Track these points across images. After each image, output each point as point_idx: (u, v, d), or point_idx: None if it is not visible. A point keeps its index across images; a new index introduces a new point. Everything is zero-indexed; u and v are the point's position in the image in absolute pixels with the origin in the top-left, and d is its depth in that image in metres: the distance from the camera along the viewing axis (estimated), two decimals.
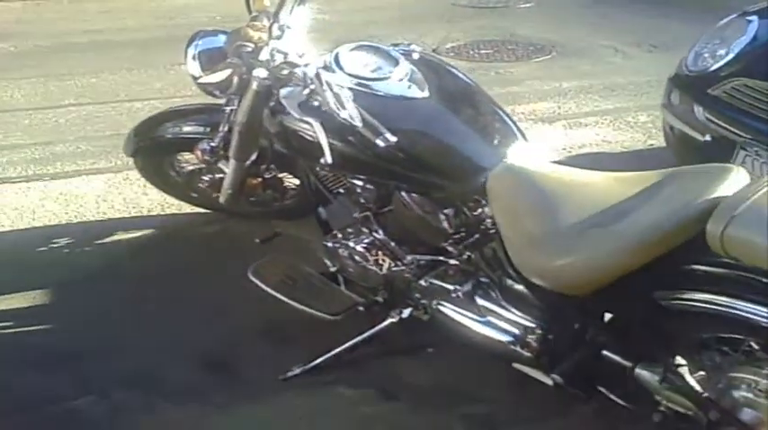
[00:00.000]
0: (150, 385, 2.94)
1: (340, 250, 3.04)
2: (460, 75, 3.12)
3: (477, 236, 2.74)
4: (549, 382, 2.52)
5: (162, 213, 4.18)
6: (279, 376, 2.93)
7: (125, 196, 4.35)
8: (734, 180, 2.22)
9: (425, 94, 2.86)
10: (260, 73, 2.85)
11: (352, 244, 3.00)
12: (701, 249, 2.09)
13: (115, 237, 3.98)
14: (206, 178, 3.75)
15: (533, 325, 2.54)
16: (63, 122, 5.49)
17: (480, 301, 2.67)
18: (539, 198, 2.48)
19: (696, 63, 4.05)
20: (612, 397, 2.45)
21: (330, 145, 2.65)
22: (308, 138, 2.75)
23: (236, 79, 3.05)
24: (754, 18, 4.06)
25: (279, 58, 2.89)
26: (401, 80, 2.87)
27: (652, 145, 4.88)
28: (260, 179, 3.55)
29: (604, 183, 2.49)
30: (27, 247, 3.89)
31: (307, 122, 2.71)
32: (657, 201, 2.26)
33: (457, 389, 2.88)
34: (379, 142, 2.60)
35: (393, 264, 2.94)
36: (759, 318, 2.07)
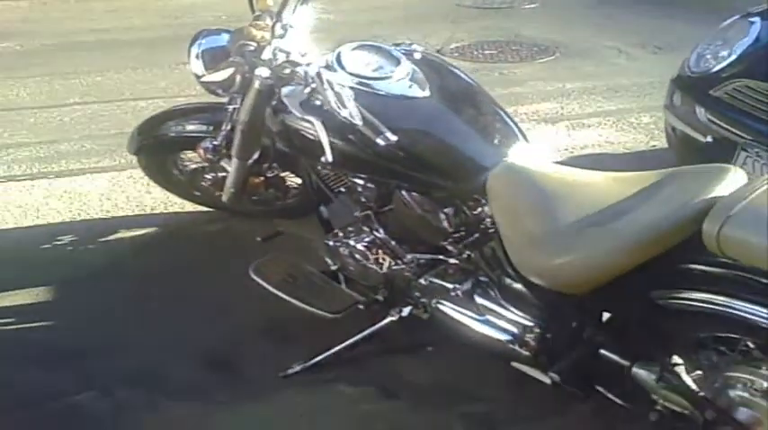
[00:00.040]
0: (153, 383, 2.96)
1: (341, 249, 3.06)
2: (462, 75, 3.14)
3: (476, 235, 2.76)
4: (548, 381, 2.53)
5: (165, 211, 4.20)
6: (279, 373, 2.95)
7: (129, 194, 4.37)
8: (731, 180, 2.23)
9: (426, 93, 2.88)
10: (262, 72, 2.87)
11: (352, 242, 3.02)
12: (697, 249, 2.10)
13: (118, 235, 4.00)
14: (209, 177, 3.77)
15: (532, 324, 2.55)
16: (68, 121, 5.51)
17: (479, 300, 2.69)
18: (538, 197, 2.49)
19: (698, 64, 4.06)
20: (610, 396, 2.46)
21: (331, 143, 2.67)
22: (310, 136, 2.77)
23: (238, 78, 3.07)
24: (757, 19, 4.06)
25: (281, 57, 2.91)
26: (402, 80, 2.88)
27: (654, 146, 4.89)
28: (262, 178, 3.57)
29: (604, 183, 2.50)
30: (31, 245, 3.91)
31: (308, 121, 2.72)
32: (655, 201, 2.27)
33: (456, 388, 2.89)
34: (380, 141, 2.61)
35: (393, 263, 2.95)
36: (755, 318, 2.08)
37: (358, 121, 2.62)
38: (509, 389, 2.81)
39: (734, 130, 3.70)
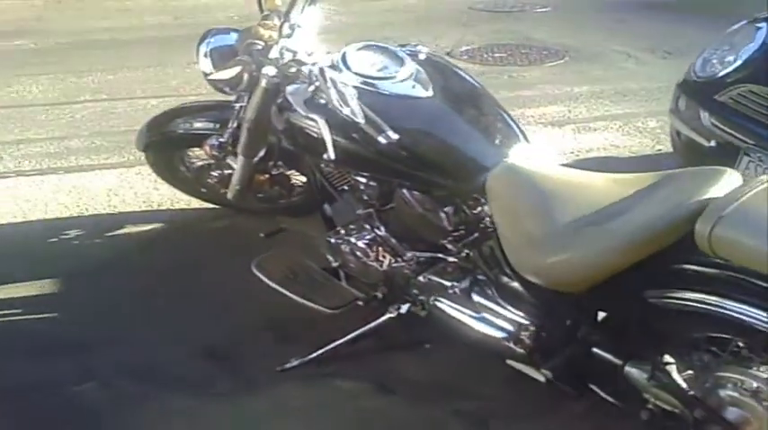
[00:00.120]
0: (153, 375, 2.99)
1: (342, 246, 3.09)
2: (466, 76, 3.17)
3: (476, 234, 2.78)
4: (542, 379, 2.57)
5: (171, 208, 4.24)
6: (277, 368, 2.98)
7: (136, 191, 4.41)
8: (726, 182, 2.25)
9: (429, 93, 2.91)
10: (269, 71, 2.90)
11: (353, 240, 3.05)
12: (691, 249, 2.12)
13: (125, 231, 4.04)
14: (215, 174, 3.79)
15: (527, 322, 2.57)
16: (79, 118, 5.57)
17: (476, 298, 2.71)
18: (536, 198, 2.51)
19: (704, 69, 4.07)
20: (603, 394, 2.48)
21: (334, 141, 2.69)
22: (313, 134, 2.80)
23: (245, 76, 3.11)
24: (764, 25, 4.07)
25: (288, 57, 2.95)
26: (406, 80, 2.91)
27: (660, 150, 4.90)
28: (267, 175, 3.60)
29: (602, 184, 2.52)
30: (38, 238, 3.96)
31: (311, 119, 2.75)
32: (651, 202, 2.29)
33: (452, 385, 2.92)
34: (381, 139, 2.64)
35: (393, 261, 2.98)
36: (747, 318, 2.10)
37: (360, 119, 2.65)
38: (504, 386, 2.83)
39: (737, 135, 3.71)
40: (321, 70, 2.74)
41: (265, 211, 3.91)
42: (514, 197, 2.57)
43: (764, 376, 2.15)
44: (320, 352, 3.00)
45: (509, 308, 2.64)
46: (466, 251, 2.79)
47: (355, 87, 2.76)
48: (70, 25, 8.22)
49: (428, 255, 2.90)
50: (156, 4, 8.96)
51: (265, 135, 3.18)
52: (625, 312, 2.37)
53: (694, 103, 3.99)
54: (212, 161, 3.68)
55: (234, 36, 3.39)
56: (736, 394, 2.18)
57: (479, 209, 2.77)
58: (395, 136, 2.64)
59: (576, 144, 5.07)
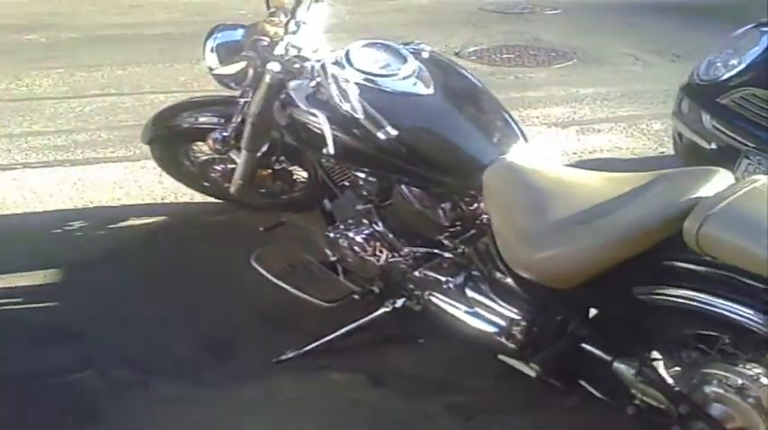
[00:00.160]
0: (149, 364, 3.02)
1: (340, 240, 3.11)
2: (468, 75, 3.19)
3: (472, 230, 2.82)
4: (533, 374, 2.58)
5: (175, 201, 4.27)
6: (272, 359, 3.01)
7: (141, 184, 4.45)
8: (718, 182, 2.27)
9: (430, 91, 2.93)
10: (273, 66, 2.94)
11: (352, 234, 3.07)
12: (680, 247, 2.14)
13: (128, 223, 4.07)
14: (218, 168, 3.84)
15: (519, 317, 2.60)
16: (87, 111, 5.61)
17: (470, 293, 2.74)
18: (530, 194, 2.53)
19: (708, 72, 4.08)
20: (592, 390, 2.50)
21: (335, 137, 2.73)
22: (315, 130, 2.82)
23: (251, 72, 3.14)
24: None
25: (292, 53, 2.97)
26: (408, 77, 2.93)
27: (662, 152, 4.91)
28: (270, 170, 3.64)
29: (596, 183, 2.55)
30: (41, 229, 3.99)
31: (313, 114, 2.78)
32: (642, 200, 2.31)
33: (444, 379, 2.94)
34: (380, 135, 2.67)
35: (390, 256, 3.01)
36: (734, 316, 2.12)
37: (360, 115, 2.68)
38: (496, 381, 2.85)
39: (738, 138, 3.73)
40: (323, 66, 2.77)
41: (267, 206, 3.94)
42: (509, 193, 2.59)
43: (749, 373, 2.17)
44: (315, 344, 3.03)
45: (502, 303, 2.66)
46: (462, 247, 2.82)
47: (357, 84, 2.78)
48: (82, 20, 8.27)
49: (424, 250, 2.93)
50: (168, 1, 9.01)
51: (268, 130, 3.21)
52: (614, 308, 2.40)
53: (697, 106, 4.01)
54: (216, 155, 3.71)
55: (241, 32, 3.42)
56: (720, 390, 2.20)
57: (476, 205, 2.81)
58: (394, 132, 2.67)
59: (579, 145, 5.08)
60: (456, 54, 7.04)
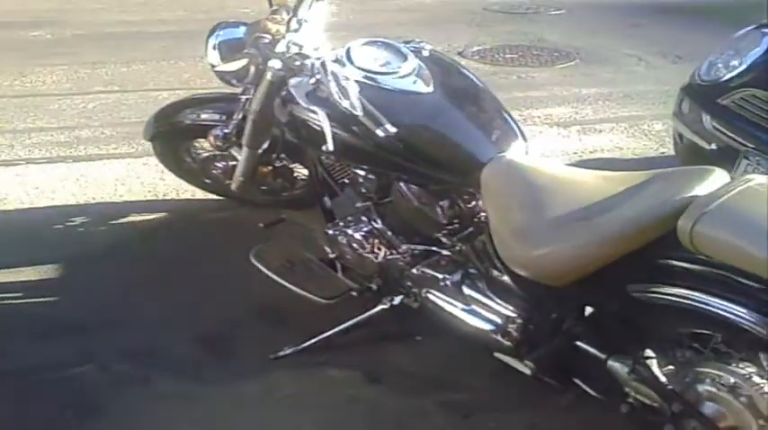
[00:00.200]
0: (148, 359, 3.04)
1: (339, 237, 3.12)
2: (468, 74, 3.20)
3: (470, 228, 2.83)
4: (528, 372, 2.60)
5: (176, 198, 4.29)
6: (270, 355, 3.03)
7: (143, 180, 4.47)
8: (713, 180, 2.27)
9: (430, 89, 2.94)
10: (275, 64, 2.95)
11: (351, 232, 3.08)
12: (675, 245, 2.15)
13: (129, 219, 4.09)
14: (219, 165, 3.86)
15: (515, 315, 2.61)
16: (90, 108, 5.63)
17: (467, 291, 2.75)
18: (527, 192, 2.55)
19: (709, 73, 4.09)
20: (586, 388, 2.52)
21: (334, 134, 2.74)
22: (315, 127, 2.84)
23: (252, 69, 3.15)
24: None
25: (294, 51, 2.99)
26: (408, 75, 2.94)
27: (663, 153, 4.92)
28: (271, 167, 3.65)
29: (593, 181, 2.56)
30: (44, 224, 4.01)
31: (313, 111, 2.79)
32: (638, 198, 2.32)
33: (441, 377, 2.96)
34: (379, 132, 2.69)
35: (388, 253, 3.02)
36: (727, 315, 2.12)
37: (359, 112, 2.70)
38: (492, 379, 2.86)
39: (737, 138, 3.73)
40: (323, 63, 2.79)
41: (268, 203, 3.95)
42: (506, 191, 2.61)
43: (742, 372, 2.18)
44: (313, 341, 3.05)
45: (498, 301, 2.67)
46: (459, 245, 2.83)
47: (357, 81, 2.80)
48: (87, 17, 8.31)
49: (422, 248, 2.95)
50: None
51: (270, 127, 3.23)
52: (609, 306, 2.41)
53: (697, 107, 4.01)
54: (217, 152, 3.72)
55: (243, 29, 3.43)
56: (713, 389, 2.21)
57: (474, 203, 2.83)
58: (393, 129, 2.69)
59: (580, 145, 5.10)
60: (459, 53, 7.06)
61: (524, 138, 2.91)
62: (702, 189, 2.22)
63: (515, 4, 9.22)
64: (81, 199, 4.29)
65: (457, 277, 2.78)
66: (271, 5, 3.31)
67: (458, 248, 2.84)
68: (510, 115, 3.02)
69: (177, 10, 8.66)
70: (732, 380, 2.18)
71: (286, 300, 3.15)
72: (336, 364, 3.01)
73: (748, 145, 3.68)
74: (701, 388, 2.23)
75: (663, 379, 2.29)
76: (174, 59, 6.75)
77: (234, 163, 3.59)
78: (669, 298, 2.22)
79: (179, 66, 6.59)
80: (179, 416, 2.80)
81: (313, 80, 2.85)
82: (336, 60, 2.87)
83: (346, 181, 3.25)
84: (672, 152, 4.54)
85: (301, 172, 3.78)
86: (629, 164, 4.75)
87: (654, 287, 2.25)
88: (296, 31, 3.05)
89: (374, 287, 3.08)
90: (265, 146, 3.34)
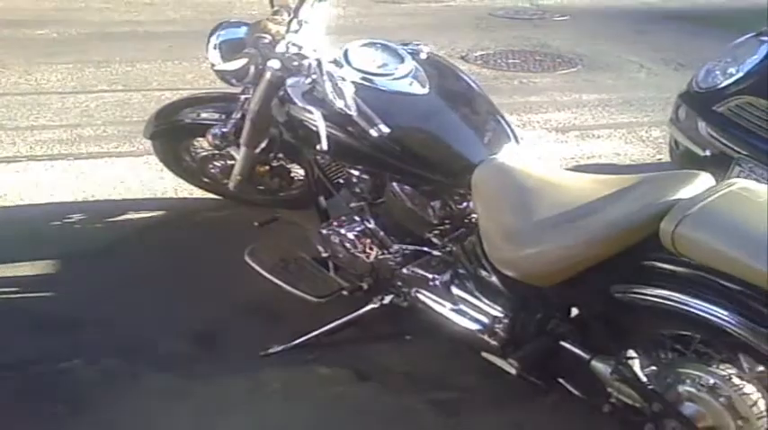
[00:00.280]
0: (140, 355, 3.07)
1: (332, 237, 3.15)
2: (463, 76, 3.22)
3: (461, 229, 2.86)
4: (513, 372, 2.62)
5: (174, 196, 4.33)
6: (260, 352, 3.05)
7: (142, 179, 4.50)
8: (697, 184, 2.30)
9: (425, 91, 2.97)
10: (274, 64, 2.97)
11: (343, 231, 3.12)
12: (658, 248, 2.19)
13: (126, 217, 4.12)
14: (217, 164, 3.88)
15: (501, 315, 2.64)
16: (93, 107, 5.66)
17: (455, 291, 2.78)
18: (516, 194, 2.58)
19: (706, 80, 4.10)
20: (570, 388, 2.54)
21: (329, 134, 2.78)
22: (311, 127, 2.86)
23: (252, 69, 3.16)
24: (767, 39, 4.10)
25: (293, 51, 3.01)
26: (404, 77, 2.97)
27: (660, 159, 4.93)
28: (268, 167, 3.68)
29: (581, 184, 2.58)
30: (42, 221, 4.04)
31: (308, 111, 2.82)
32: (624, 201, 2.35)
33: (428, 376, 2.98)
34: (373, 132, 2.72)
35: (380, 253, 3.05)
36: (708, 316, 2.15)
37: (352, 112, 2.73)
38: (480, 379, 2.88)
39: (731, 145, 3.74)
40: (319, 63, 2.82)
41: (265, 203, 3.98)
42: (496, 192, 2.64)
43: (722, 373, 2.20)
44: (303, 339, 3.08)
45: (486, 301, 2.70)
46: (450, 245, 2.86)
47: (354, 82, 2.83)
48: (94, 17, 8.36)
49: (413, 248, 2.98)
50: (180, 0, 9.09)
51: (268, 127, 3.25)
52: (593, 307, 2.44)
53: (693, 113, 4.03)
54: (215, 151, 3.75)
55: (244, 30, 3.44)
56: (693, 390, 2.23)
57: (465, 204, 2.85)
58: (386, 129, 2.72)
59: (578, 150, 5.11)
60: (462, 58, 7.08)
61: (517, 141, 2.93)
62: (686, 193, 2.25)
63: (520, 10, 9.26)
64: (80, 196, 4.32)
65: (446, 277, 2.81)
66: (272, 6, 3.34)
67: (448, 249, 2.87)
68: (504, 118, 3.04)
69: (183, 11, 8.71)
70: (712, 381, 2.20)
71: (278, 298, 3.18)
72: (325, 362, 3.03)
73: (742, 152, 3.69)
74: (681, 388, 2.25)
75: (644, 379, 2.31)
76: (179, 60, 6.78)
77: (231, 162, 3.61)
78: (651, 299, 2.25)
79: (183, 66, 6.63)
80: (167, 411, 2.82)
81: (309, 80, 2.87)
82: (334, 61, 2.90)
83: (341, 181, 3.28)
84: (668, 159, 4.55)
85: (298, 172, 3.80)
86: (624, 170, 4.74)
87: (637, 288, 2.29)
88: (296, 32, 3.06)
89: (365, 286, 3.10)
90: (263, 145, 3.36)
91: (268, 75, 3.00)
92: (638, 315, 2.32)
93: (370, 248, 3.07)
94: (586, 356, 2.45)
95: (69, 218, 4.08)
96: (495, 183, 2.67)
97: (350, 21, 8.21)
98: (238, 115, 3.36)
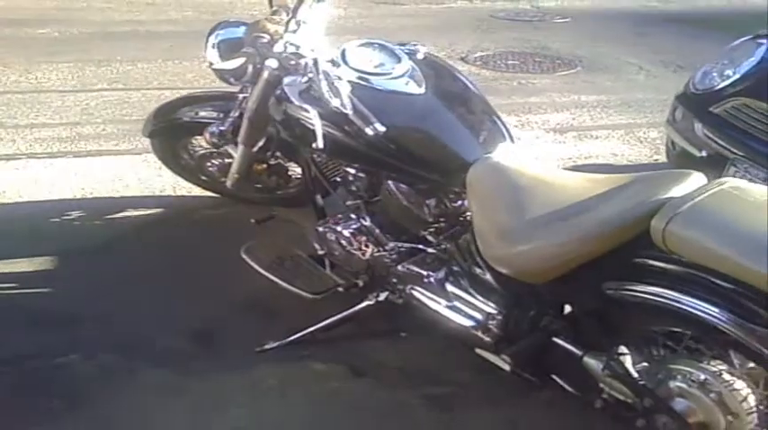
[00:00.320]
0: (136, 350, 3.09)
1: (328, 234, 3.17)
2: (460, 76, 3.24)
3: (456, 227, 2.88)
4: (507, 368, 2.64)
5: (172, 194, 4.34)
6: (256, 348, 3.07)
7: (141, 177, 4.52)
8: (689, 183, 2.32)
9: (421, 90, 2.98)
10: (272, 63, 3.00)
11: (340, 229, 3.14)
12: (649, 245, 2.21)
13: (125, 214, 4.15)
14: (215, 162, 3.91)
15: (495, 311, 2.66)
16: (93, 105, 5.69)
17: (450, 288, 2.80)
18: (510, 192, 2.60)
19: (703, 81, 4.12)
20: (563, 384, 2.56)
21: (326, 133, 2.80)
22: (307, 125, 2.88)
23: (250, 68, 3.19)
24: (765, 41, 4.12)
25: (291, 51, 3.03)
26: (400, 77, 2.99)
27: (657, 160, 4.95)
28: (265, 165, 3.69)
29: (575, 183, 2.61)
30: (41, 218, 4.06)
31: (305, 109, 2.84)
32: (617, 200, 2.37)
33: (422, 372, 3.00)
34: (369, 131, 2.73)
35: (376, 251, 3.07)
36: (699, 313, 2.16)
37: (348, 110, 2.74)
38: (475, 375, 2.90)
39: (727, 146, 3.77)
40: (315, 62, 2.83)
41: (263, 201, 4.00)
42: (490, 191, 2.66)
43: (713, 369, 2.21)
44: (298, 335, 3.10)
45: (480, 298, 2.72)
46: (445, 243, 2.88)
47: (350, 82, 2.85)
48: (95, 16, 8.39)
49: (409, 245, 3.00)
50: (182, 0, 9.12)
51: (265, 126, 3.27)
52: (586, 304, 2.46)
53: (690, 114, 4.05)
54: (213, 149, 3.77)
55: (243, 29, 3.46)
56: (684, 386, 2.25)
57: (460, 202, 2.88)
58: (382, 128, 2.73)
59: (575, 151, 5.13)
60: (462, 59, 7.11)
61: (512, 140, 2.95)
62: (678, 191, 2.27)
63: (521, 12, 9.29)
64: (78, 193, 4.33)
65: (441, 275, 2.83)
66: (271, 6, 3.36)
67: (443, 246, 2.89)
68: (499, 118, 3.06)
69: (185, 11, 8.74)
70: (702, 376, 2.22)
71: (274, 294, 3.20)
72: (321, 358, 3.05)
73: (738, 153, 3.71)
74: (672, 384, 2.27)
75: (635, 375, 2.33)
76: (179, 59, 6.80)
77: (229, 160, 3.64)
78: (643, 296, 2.26)
79: (183, 65, 6.65)
80: (163, 406, 2.84)
81: (305, 79, 2.89)
82: (331, 61, 2.92)
83: (338, 179, 3.30)
84: (665, 159, 4.57)
85: (296, 170, 3.82)
86: (621, 170, 4.72)
87: (628, 285, 2.30)
88: (294, 31, 3.09)
89: (360, 283, 3.12)
90: (261, 144, 3.39)
91: (266, 74, 3.03)
92: (630, 312, 2.33)
93: (366, 246, 3.09)
94: (579, 353, 2.47)
95: (68, 215, 4.09)
96: (488, 181, 2.69)
97: (350, 21, 8.23)
98: (236, 114, 3.39)
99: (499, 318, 2.64)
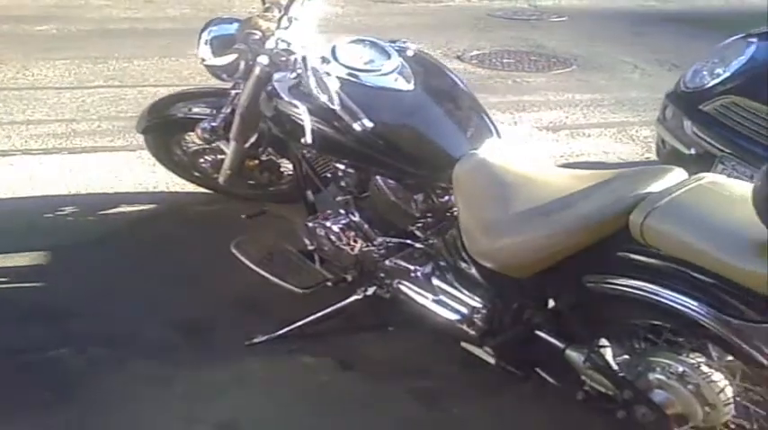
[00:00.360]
0: (126, 344, 3.12)
1: (318, 230, 3.20)
2: (449, 73, 3.26)
3: (442, 222, 2.91)
4: (492, 361, 2.67)
5: (166, 191, 4.37)
6: (245, 342, 3.11)
7: (135, 173, 4.55)
8: (669, 179, 2.35)
9: (410, 87, 3.01)
10: (263, 60, 3.02)
11: (329, 224, 3.17)
12: (629, 239, 2.24)
13: (118, 210, 4.17)
14: (208, 158, 3.94)
15: (480, 305, 2.70)
16: (89, 102, 5.71)
17: (436, 282, 2.83)
18: (495, 187, 2.63)
19: (693, 80, 4.14)
20: (546, 376, 2.60)
21: (315, 129, 2.82)
22: (297, 121, 2.91)
23: (242, 64, 3.22)
24: (755, 40, 4.14)
25: (282, 47, 3.06)
26: (389, 73, 3.02)
27: (648, 158, 4.97)
28: (257, 161, 3.72)
29: (559, 179, 2.63)
30: (34, 213, 4.09)
31: (294, 105, 2.87)
32: (597, 194, 2.40)
33: (411, 365, 3.03)
34: (356, 126, 2.77)
35: (364, 246, 3.09)
36: (678, 306, 2.19)
37: (336, 106, 2.77)
38: (461, 368, 2.94)
39: (715, 144, 3.79)
40: (304, 58, 2.86)
41: (255, 197, 4.02)
42: (476, 186, 2.69)
43: (691, 362, 2.25)
44: (287, 329, 3.13)
45: (465, 292, 2.76)
46: (431, 238, 2.91)
47: (340, 78, 2.88)
48: (93, 14, 8.41)
49: (397, 240, 3.03)
50: None
51: (257, 122, 3.30)
52: (568, 298, 2.49)
53: (680, 113, 4.08)
54: (206, 146, 3.79)
55: (235, 26, 3.48)
56: (663, 377, 2.29)
57: (447, 198, 2.91)
58: (370, 124, 2.77)
59: (567, 148, 5.16)
60: (458, 57, 7.13)
61: (499, 136, 2.98)
62: (658, 186, 2.30)
63: (518, 11, 9.30)
64: (73, 189, 4.36)
65: (427, 269, 2.86)
66: (263, 3, 3.39)
67: (430, 241, 2.92)
68: (487, 114, 3.09)
69: (183, 8, 8.75)
70: (681, 369, 2.26)
71: (264, 289, 3.23)
72: (309, 352, 3.09)
73: (725, 150, 3.73)
74: (651, 376, 2.31)
75: (616, 367, 2.37)
76: (176, 56, 6.82)
77: (222, 156, 3.65)
78: (623, 289, 2.30)
79: (180, 63, 6.66)
80: (152, 398, 2.87)
81: (294, 75, 2.92)
82: (322, 57, 2.95)
83: (329, 175, 3.33)
84: (656, 157, 4.59)
85: (287, 167, 3.84)
86: (611, 168, 4.73)
87: (609, 279, 2.33)
88: (286, 28, 3.12)
89: (349, 278, 3.16)
90: (252, 140, 3.42)
91: (257, 70, 3.06)
92: (610, 304, 2.36)
93: (355, 241, 3.12)
94: (561, 345, 2.51)
95: (62, 210, 4.12)
96: (474, 177, 2.72)
97: (348, 19, 8.26)
98: (228, 110, 3.41)
99: (484, 311, 2.68)
